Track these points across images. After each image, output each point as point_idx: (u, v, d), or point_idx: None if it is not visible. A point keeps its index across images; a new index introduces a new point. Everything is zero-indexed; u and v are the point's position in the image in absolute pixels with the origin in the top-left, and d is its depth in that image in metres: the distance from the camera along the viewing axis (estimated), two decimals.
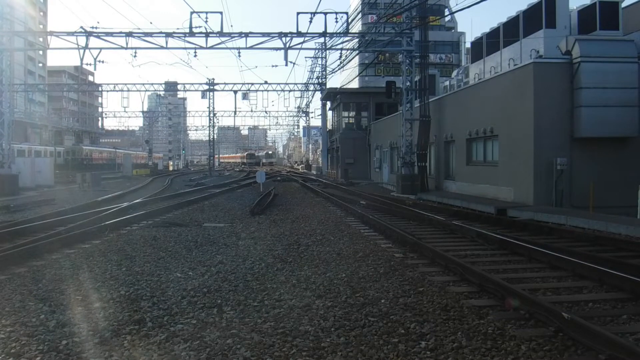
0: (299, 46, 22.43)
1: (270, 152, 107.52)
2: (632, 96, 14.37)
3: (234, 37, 21.87)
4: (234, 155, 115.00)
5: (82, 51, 21.43)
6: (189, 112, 76.35)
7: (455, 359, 3.83)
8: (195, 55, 23.05)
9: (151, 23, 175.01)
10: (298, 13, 21.86)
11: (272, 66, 37.46)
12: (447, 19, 54.09)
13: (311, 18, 21.61)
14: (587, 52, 14.28)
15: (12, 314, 4.92)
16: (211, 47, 21.92)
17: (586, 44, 14.57)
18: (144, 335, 4.32)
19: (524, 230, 10.45)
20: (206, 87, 44.01)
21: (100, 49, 21.85)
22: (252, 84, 42.11)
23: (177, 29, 21.64)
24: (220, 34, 21.55)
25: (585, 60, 14.21)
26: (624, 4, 18.00)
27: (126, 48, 21.75)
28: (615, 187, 14.02)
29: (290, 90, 45.05)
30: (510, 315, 4.76)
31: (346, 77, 52.53)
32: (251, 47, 22.07)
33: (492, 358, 3.83)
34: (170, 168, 74.32)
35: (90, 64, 22.51)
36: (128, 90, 41.04)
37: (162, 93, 63.69)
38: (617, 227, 9.83)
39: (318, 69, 47.41)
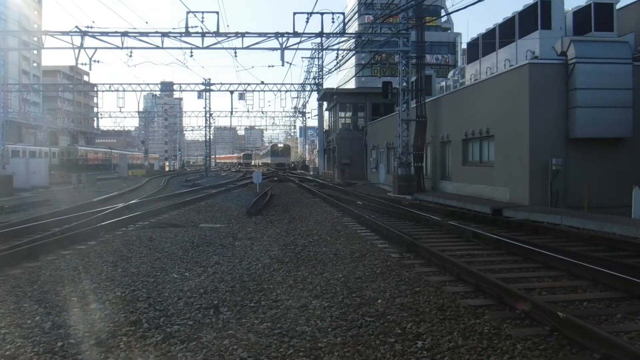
0: (295, 46, 22.51)
1: (280, 146, 70.86)
2: (626, 97, 14.46)
3: (230, 37, 21.85)
4: (230, 155, 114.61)
5: (77, 51, 21.37)
6: (185, 112, 76.66)
7: (451, 358, 3.84)
8: (191, 55, 23.12)
9: (147, 23, 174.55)
10: (295, 13, 21.92)
11: (269, 66, 37.65)
12: (443, 19, 54.20)
13: (308, 18, 21.68)
14: (582, 53, 14.37)
15: (7, 315, 4.89)
16: (207, 47, 21.90)
17: (581, 45, 14.65)
18: (140, 337, 4.30)
19: (520, 230, 10.50)
20: (202, 87, 43.91)
21: (96, 48, 21.82)
22: (249, 84, 42.22)
23: (173, 28, 21.58)
24: (217, 33, 21.53)
25: (580, 61, 14.30)
26: (618, 6, 18.08)
27: (122, 48, 21.66)
28: (609, 187, 14.12)
29: (286, 91, 44.99)
30: (506, 315, 4.78)
31: (343, 77, 52.49)
32: (247, 47, 22.08)
33: (488, 357, 3.84)
34: (167, 168, 74.12)
35: (85, 64, 22.49)
36: (124, 91, 40.95)
37: (158, 93, 63.74)
38: (612, 227, 9.90)
39: (315, 69, 47.42)
